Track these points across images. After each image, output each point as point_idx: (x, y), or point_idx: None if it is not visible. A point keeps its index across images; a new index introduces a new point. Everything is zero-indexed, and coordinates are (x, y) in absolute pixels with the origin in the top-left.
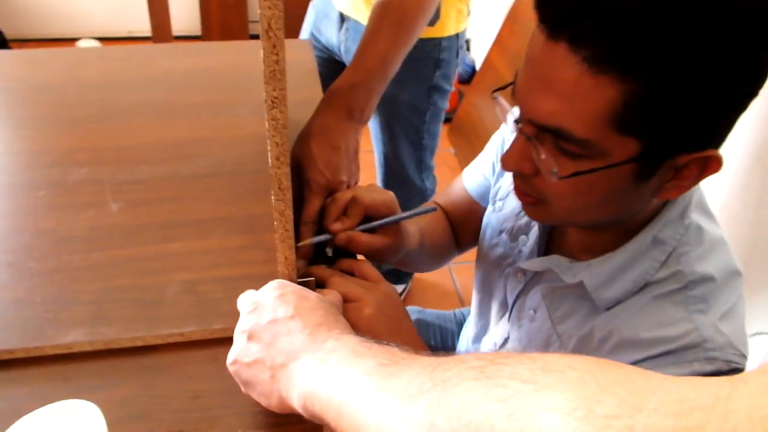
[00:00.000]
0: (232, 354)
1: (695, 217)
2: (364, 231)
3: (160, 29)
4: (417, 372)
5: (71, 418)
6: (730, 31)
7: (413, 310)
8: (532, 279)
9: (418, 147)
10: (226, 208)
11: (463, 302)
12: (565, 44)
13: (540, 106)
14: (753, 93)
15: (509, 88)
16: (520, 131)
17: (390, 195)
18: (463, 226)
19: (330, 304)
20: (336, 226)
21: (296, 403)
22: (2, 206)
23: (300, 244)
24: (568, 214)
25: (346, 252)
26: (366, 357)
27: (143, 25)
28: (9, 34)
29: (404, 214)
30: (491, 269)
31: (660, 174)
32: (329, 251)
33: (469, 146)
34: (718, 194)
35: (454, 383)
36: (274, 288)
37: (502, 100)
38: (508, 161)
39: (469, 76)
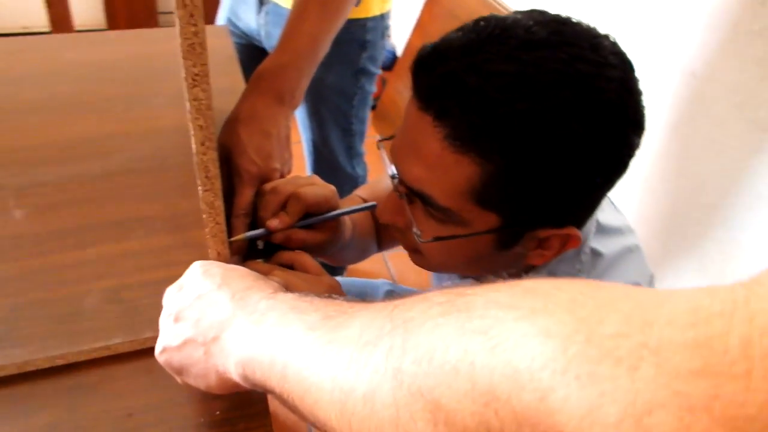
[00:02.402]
0: (160, 342)
1: (593, 244)
2: (302, 227)
3: (60, 23)
4: (371, 317)
5: None
6: (585, 128)
7: (386, 283)
8: None
9: (347, 133)
10: (147, 207)
11: None
12: (432, 118)
13: (409, 170)
14: (609, 182)
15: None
16: (395, 187)
17: (331, 189)
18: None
19: (260, 275)
20: (274, 224)
21: (235, 375)
22: None
23: (233, 239)
24: (443, 268)
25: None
26: (308, 312)
27: (40, 20)
28: None
29: (344, 210)
30: (436, 282)
31: (522, 243)
32: (260, 244)
33: None
34: (640, 168)
35: (420, 322)
36: (198, 267)
37: (384, 154)
38: (383, 214)
39: (390, 62)
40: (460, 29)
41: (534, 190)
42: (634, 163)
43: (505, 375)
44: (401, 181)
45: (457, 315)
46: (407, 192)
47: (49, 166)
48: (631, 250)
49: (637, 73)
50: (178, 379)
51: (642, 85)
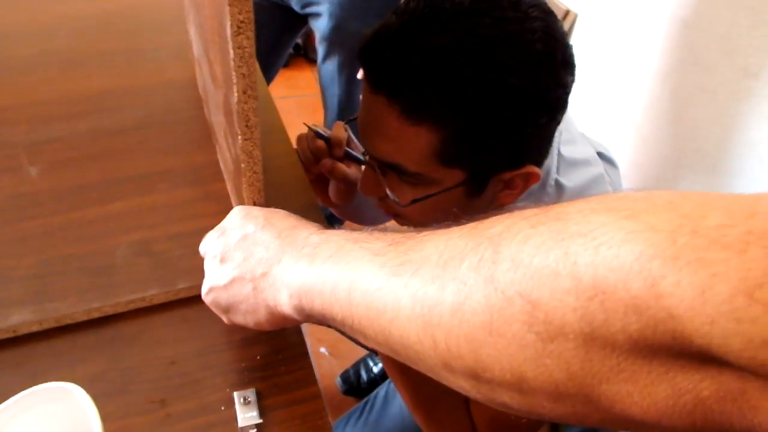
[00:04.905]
0: (207, 282)
1: (558, 177)
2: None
3: None
4: (445, 239)
5: (51, 405)
6: (521, 80)
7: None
8: None
9: None
10: (165, 160)
11: None
12: (385, 99)
13: (376, 147)
14: (553, 120)
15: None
16: (368, 163)
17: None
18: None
19: (301, 217)
20: (341, 133)
21: (288, 307)
22: None
23: (311, 126)
24: (423, 226)
25: None
26: (369, 240)
27: None
28: None
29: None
30: None
31: (490, 188)
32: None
33: None
34: (632, 116)
35: (508, 236)
36: (238, 211)
37: (352, 135)
38: (363, 189)
39: None
40: (394, 12)
41: (487, 141)
42: (626, 111)
43: (611, 269)
44: (372, 157)
45: (551, 224)
46: (379, 165)
47: (59, 122)
48: (596, 180)
49: (628, 21)
50: (225, 318)
51: (633, 33)
